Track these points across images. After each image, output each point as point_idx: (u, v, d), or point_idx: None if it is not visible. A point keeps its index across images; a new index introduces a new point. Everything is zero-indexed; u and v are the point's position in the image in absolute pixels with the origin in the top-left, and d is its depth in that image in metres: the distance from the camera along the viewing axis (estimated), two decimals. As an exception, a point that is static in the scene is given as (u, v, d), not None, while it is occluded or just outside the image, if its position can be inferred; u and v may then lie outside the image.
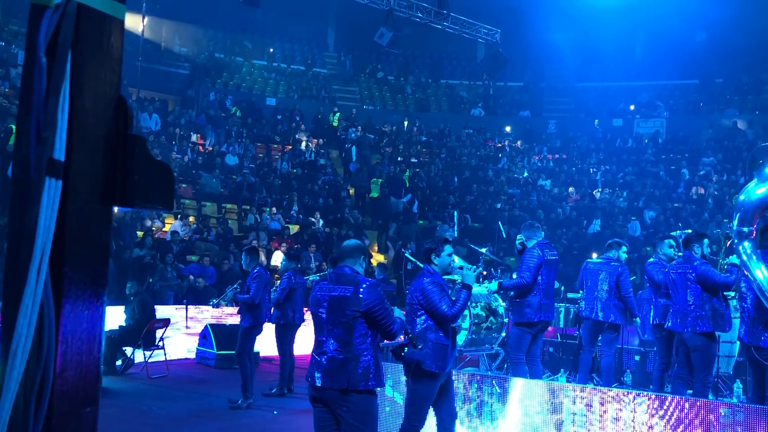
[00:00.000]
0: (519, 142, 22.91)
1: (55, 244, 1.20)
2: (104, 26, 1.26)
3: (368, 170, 20.21)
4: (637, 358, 9.09)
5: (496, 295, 8.19)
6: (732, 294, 6.85)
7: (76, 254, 1.25)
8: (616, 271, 7.47)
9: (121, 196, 1.31)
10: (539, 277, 6.73)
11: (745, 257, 5.46)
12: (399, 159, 20.96)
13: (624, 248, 7.81)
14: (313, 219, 16.70)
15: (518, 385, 5.98)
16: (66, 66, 1.17)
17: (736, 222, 5.63)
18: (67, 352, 1.24)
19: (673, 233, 8.18)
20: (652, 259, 7.73)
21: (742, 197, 5.75)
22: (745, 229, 5.52)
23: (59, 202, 1.19)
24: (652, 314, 7.58)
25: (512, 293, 7.07)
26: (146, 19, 15.70)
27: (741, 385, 7.38)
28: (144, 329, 9.34)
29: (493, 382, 6.09)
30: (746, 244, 5.49)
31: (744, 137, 20.09)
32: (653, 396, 5.88)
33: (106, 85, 1.28)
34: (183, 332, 11.00)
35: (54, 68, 1.16)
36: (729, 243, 6.55)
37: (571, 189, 19.25)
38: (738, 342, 6.56)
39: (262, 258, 14.22)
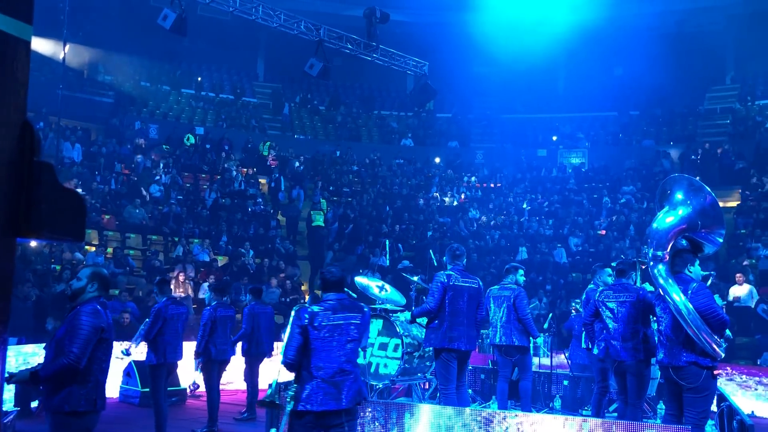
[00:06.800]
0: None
1: (-49, 278, 1.12)
2: (8, 48, 1.19)
3: (306, 200, 20.12)
4: (566, 383, 9.26)
5: (420, 324, 8.10)
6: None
7: (-27, 289, 1.16)
8: (512, 293, 7.60)
9: (26, 226, 1.22)
10: (446, 303, 6.66)
11: (662, 280, 5.65)
12: (331, 188, 20.95)
13: (521, 271, 7.91)
14: (242, 250, 16.41)
15: (426, 412, 5.97)
16: (-37, 88, 1.10)
17: (652, 248, 5.85)
18: (-38, 395, 1.14)
19: (613, 264, 8.37)
20: (591, 286, 7.89)
21: (654, 225, 5.99)
22: (660, 253, 5.74)
23: (-45, 233, 1.10)
24: (583, 338, 7.74)
25: (426, 320, 6.98)
26: (68, 47, 15.24)
27: (664, 406, 7.61)
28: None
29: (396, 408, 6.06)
30: (660, 267, 5.70)
31: (661, 166, 21.07)
32: (580, 420, 5.98)
33: (9, 110, 1.20)
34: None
35: (-50, 91, 1.09)
36: (644, 268, 6.78)
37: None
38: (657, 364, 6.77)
39: (182, 290, 13.83)
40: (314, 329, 4.24)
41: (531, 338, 7.73)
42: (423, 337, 8.14)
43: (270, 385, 4.81)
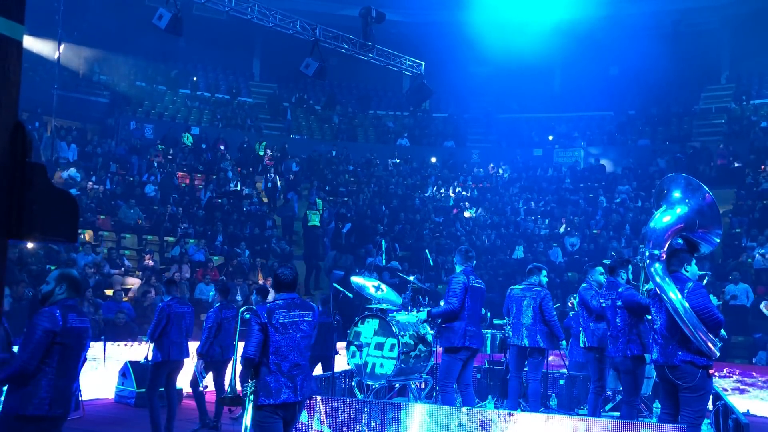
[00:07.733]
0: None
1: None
2: (-1, 47, 1.18)
3: (302, 200, 20.10)
4: (561, 382, 9.27)
5: (425, 323, 8.17)
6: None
7: (-35, 291, 1.15)
8: (538, 296, 7.65)
9: (18, 227, 1.21)
10: (466, 303, 6.81)
11: (658, 279, 5.65)
12: (327, 188, 20.93)
13: (544, 272, 7.98)
14: (238, 250, 16.39)
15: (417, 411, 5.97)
16: (-46, 88, 1.08)
17: (650, 246, 5.86)
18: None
19: (605, 261, 8.42)
20: (585, 285, 7.92)
21: (652, 224, 5.99)
22: (657, 252, 5.75)
23: (-54, 234, 1.09)
24: (582, 337, 7.76)
25: (440, 320, 7.10)
26: (63, 46, 15.20)
27: (660, 405, 7.62)
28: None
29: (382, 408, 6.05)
30: (657, 266, 5.70)
31: (656, 166, 21.09)
32: (578, 419, 5.99)
33: (0, 110, 1.19)
34: (100, 370, 10.50)
35: (-59, 91, 1.07)
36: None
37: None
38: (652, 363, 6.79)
39: (183, 290, 13.78)
40: (272, 327, 4.50)
41: (558, 340, 7.78)
42: (424, 332, 8.16)
43: (230, 383, 4.99)
